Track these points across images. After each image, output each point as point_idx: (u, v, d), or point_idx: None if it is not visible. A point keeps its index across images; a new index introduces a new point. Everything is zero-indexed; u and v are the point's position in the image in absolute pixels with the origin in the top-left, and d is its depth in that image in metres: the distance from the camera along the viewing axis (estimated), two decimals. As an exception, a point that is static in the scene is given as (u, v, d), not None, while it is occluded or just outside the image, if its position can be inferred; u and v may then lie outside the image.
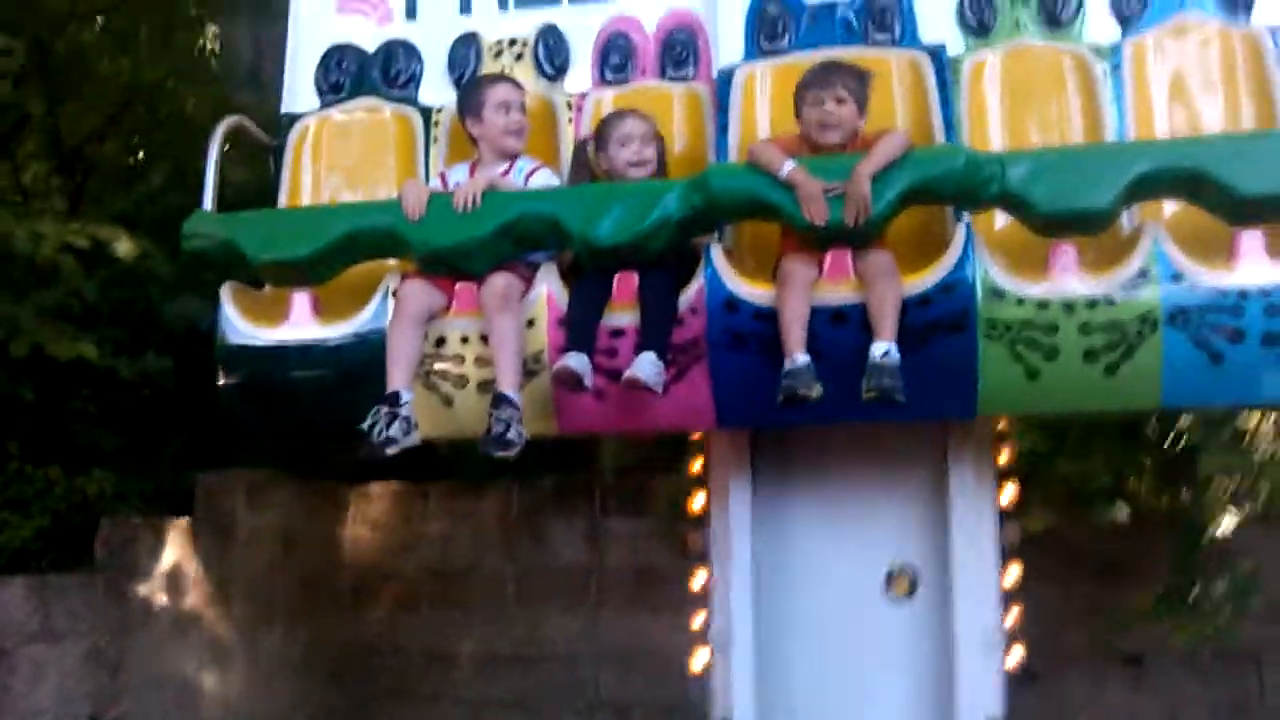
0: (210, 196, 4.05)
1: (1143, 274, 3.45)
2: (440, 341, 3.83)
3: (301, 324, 3.95)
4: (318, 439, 4.28)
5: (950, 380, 3.56)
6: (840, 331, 3.52)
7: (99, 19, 8.11)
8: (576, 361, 3.58)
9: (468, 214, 3.73)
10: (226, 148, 4.24)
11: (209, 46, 8.81)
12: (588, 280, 3.79)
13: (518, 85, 4.14)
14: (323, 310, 3.96)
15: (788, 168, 3.51)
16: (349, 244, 3.81)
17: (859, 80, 3.73)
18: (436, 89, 4.42)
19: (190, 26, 8.66)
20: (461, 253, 3.74)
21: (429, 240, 3.74)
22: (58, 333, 6.08)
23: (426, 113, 4.39)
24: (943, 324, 3.49)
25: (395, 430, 3.61)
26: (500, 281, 3.75)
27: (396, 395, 3.66)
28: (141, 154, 8.58)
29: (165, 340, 6.87)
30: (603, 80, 4.33)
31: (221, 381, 4.02)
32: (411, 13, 4.52)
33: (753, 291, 3.60)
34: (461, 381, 3.82)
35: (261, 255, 3.83)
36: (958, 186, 3.48)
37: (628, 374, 3.53)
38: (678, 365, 3.66)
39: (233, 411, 4.08)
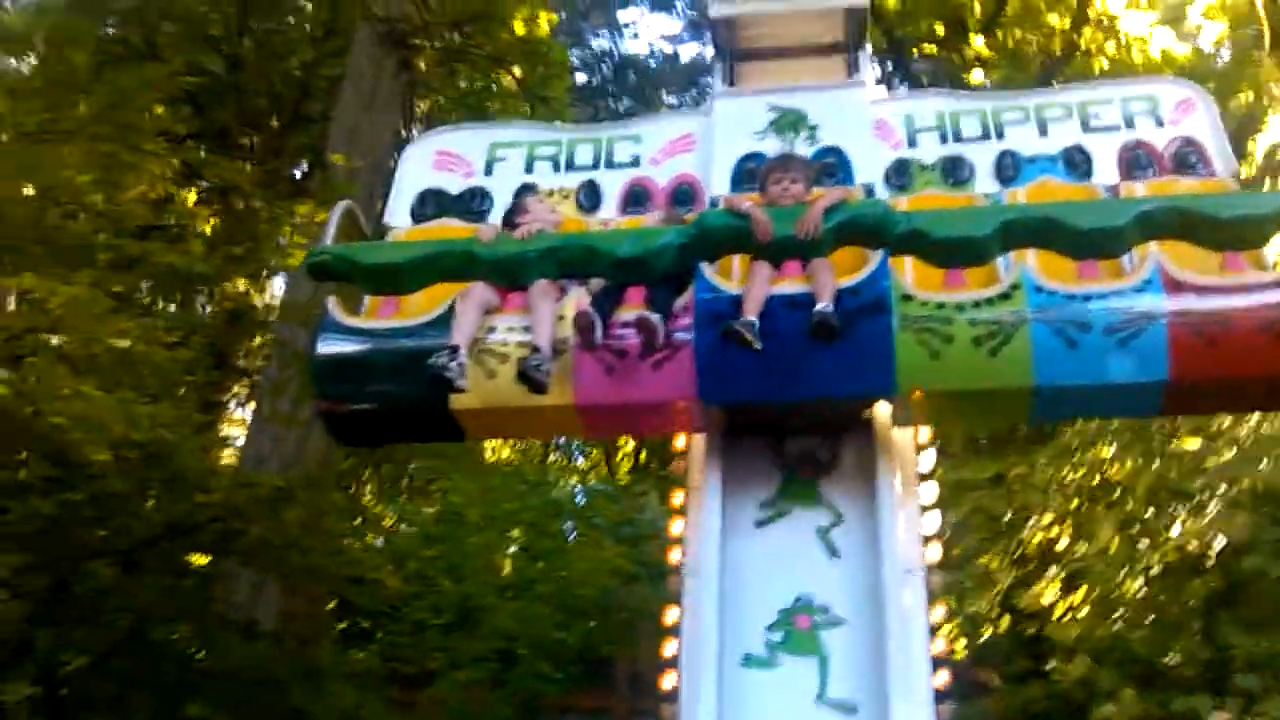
0: (330, 242, 5.42)
1: (1014, 286, 4.81)
2: (491, 330, 5.07)
3: (386, 317, 5.23)
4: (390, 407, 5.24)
5: (873, 358, 4.77)
6: (794, 315, 4.78)
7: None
8: (593, 311, 4.83)
9: (525, 240, 5.12)
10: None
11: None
12: (608, 287, 5.11)
13: (545, 193, 5.72)
14: (401, 310, 5.25)
15: (746, 205, 4.97)
16: (436, 259, 5.13)
17: (809, 167, 5.31)
18: (500, 218, 5.94)
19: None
20: (519, 263, 5.07)
21: (496, 255, 5.10)
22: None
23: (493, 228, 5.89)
24: (867, 307, 4.78)
25: (453, 366, 4.77)
26: (544, 282, 5.07)
27: (456, 347, 4.85)
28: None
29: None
30: (624, 212, 5.90)
31: (318, 371, 5.19)
32: (489, 171, 6.17)
33: (729, 285, 4.95)
34: (504, 359, 5.00)
35: (368, 261, 5.16)
36: (878, 222, 4.90)
37: (640, 314, 4.78)
38: (671, 347, 4.89)
39: (326, 394, 5.19)
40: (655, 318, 4.79)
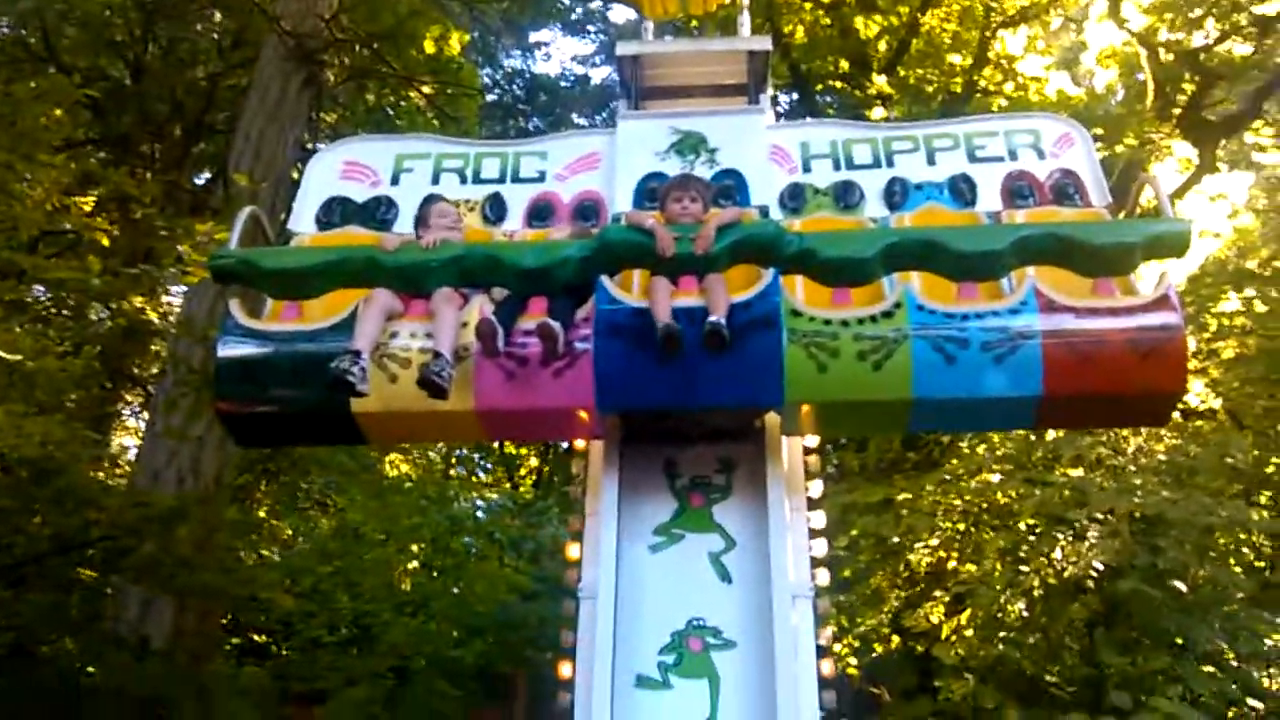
0: (234, 245, 5.47)
1: (897, 305, 5.05)
2: (394, 335, 5.16)
3: (289, 320, 5.29)
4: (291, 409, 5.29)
5: (764, 370, 4.97)
6: (689, 327, 4.95)
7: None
8: (494, 320, 4.95)
9: (429, 249, 5.23)
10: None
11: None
12: (511, 297, 5.24)
13: (451, 203, 5.82)
14: (304, 316, 5.31)
15: (649, 222, 5.15)
16: (339, 264, 5.21)
17: (707, 187, 5.51)
18: (407, 226, 6.03)
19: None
20: (422, 271, 5.17)
21: (399, 262, 5.19)
22: None
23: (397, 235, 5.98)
24: (758, 321, 4.98)
25: (355, 370, 4.86)
26: (447, 289, 5.19)
27: (359, 352, 4.94)
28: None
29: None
30: (529, 225, 6.03)
31: (218, 374, 5.24)
32: (396, 181, 6.26)
33: (628, 297, 5.12)
34: (406, 364, 5.10)
35: (271, 265, 5.22)
36: (770, 241, 5.09)
37: (541, 320, 4.92)
38: (571, 355, 5.04)
39: (226, 396, 5.24)
40: (556, 325, 4.93)
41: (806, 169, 6.15)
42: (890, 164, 6.12)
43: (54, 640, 9.53)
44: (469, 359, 5.08)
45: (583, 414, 5.17)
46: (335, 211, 6.13)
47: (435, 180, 6.26)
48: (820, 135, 6.29)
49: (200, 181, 17.79)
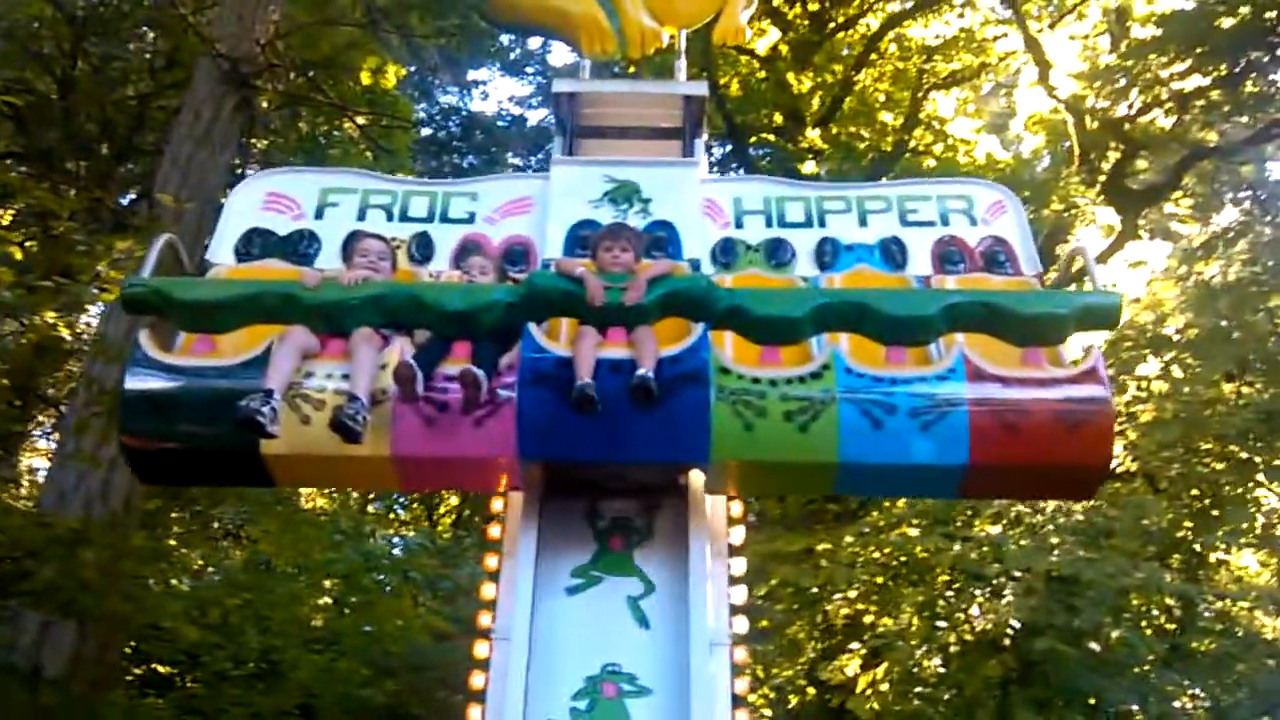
0: (147, 274, 5.27)
1: (825, 366, 5.00)
2: (309, 375, 4.99)
3: (200, 355, 5.10)
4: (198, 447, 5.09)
5: (690, 426, 4.88)
6: (615, 379, 4.85)
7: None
8: (413, 364, 4.81)
9: (350, 288, 5.08)
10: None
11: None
12: (434, 339, 5.10)
13: (379, 238, 5.67)
14: (217, 351, 5.13)
15: (579, 269, 5.06)
16: (255, 298, 5.04)
17: (639, 238, 5.43)
18: (329, 262, 5.88)
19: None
20: (342, 310, 5.02)
21: (319, 299, 5.03)
22: None
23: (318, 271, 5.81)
24: (686, 376, 4.89)
25: (266, 410, 4.68)
26: (366, 329, 5.03)
27: (271, 391, 4.77)
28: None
29: None
30: (456, 266, 5.89)
31: (125, 406, 5.02)
32: (320, 215, 6.10)
33: (555, 346, 5.00)
34: (320, 405, 4.93)
35: (185, 296, 5.04)
36: (700, 296, 5.03)
37: (464, 367, 4.78)
38: (493, 402, 4.91)
39: (132, 431, 5.03)
40: (480, 373, 4.80)
41: (739, 224, 6.12)
42: (822, 224, 6.10)
43: None
44: (386, 402, 4.92)
45: (502, 469, 5.04)
46: (255, 243, 5.95)
47: (361, 216, 6.12)
48: (754, 191, 6.26)
49: (126, 202, 17.39)
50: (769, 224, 6.12)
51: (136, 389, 5.02)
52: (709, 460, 4.98)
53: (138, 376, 5.03)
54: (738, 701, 5.19)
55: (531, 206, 6.17)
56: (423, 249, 5.98)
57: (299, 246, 5.95)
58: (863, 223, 6.10)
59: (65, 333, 12.13)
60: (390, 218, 6.13)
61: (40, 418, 16.51)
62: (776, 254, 5.93)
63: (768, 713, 14.79)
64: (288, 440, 4.87)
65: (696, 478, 5.31)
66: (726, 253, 5.96)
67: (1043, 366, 5.12)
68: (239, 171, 16.73)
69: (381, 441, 4.91)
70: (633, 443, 4.91)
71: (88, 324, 14.95)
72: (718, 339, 5.15)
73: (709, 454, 4.92)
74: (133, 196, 17.55)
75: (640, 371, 4.74)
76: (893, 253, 5.93)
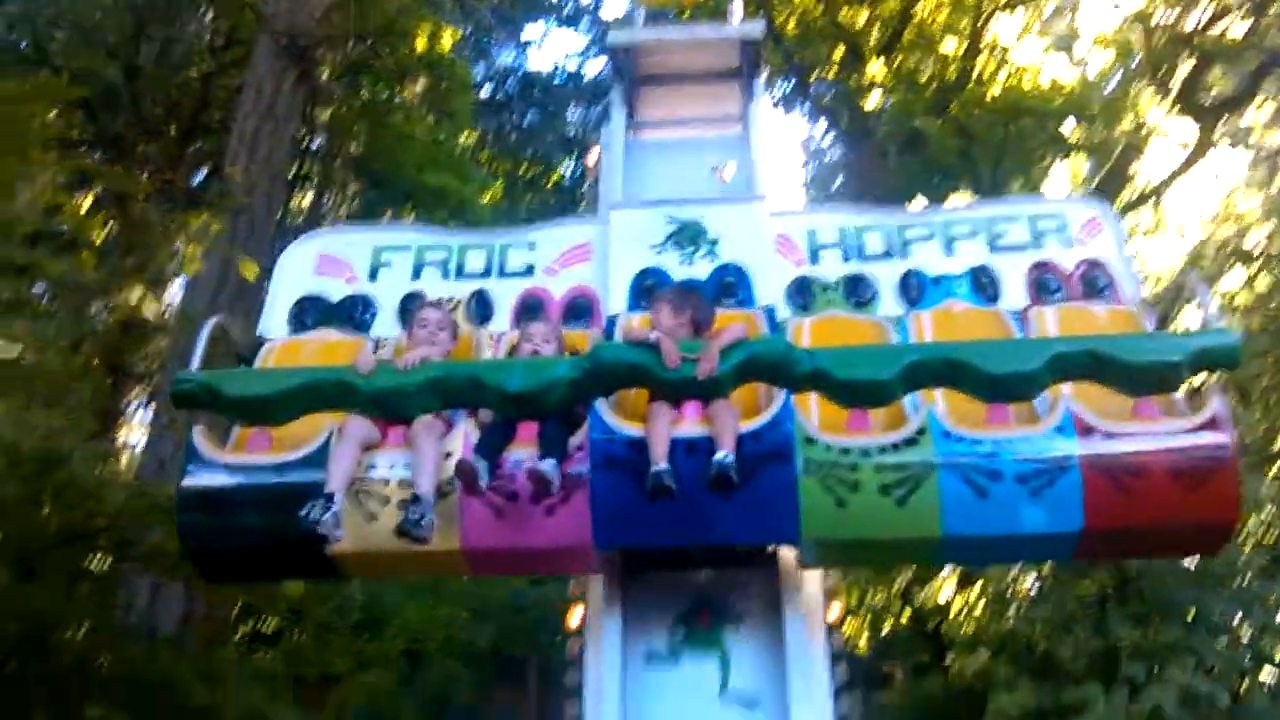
0: (196, 366, 5.02)
1: (921, 432, 4.60)
2: (371, 467, 4.70)
3: (257, 452, 4.83)
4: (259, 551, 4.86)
5: (777, 506, 4.53)
6: (692, 460, 4.50)
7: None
8: (476, 460, 4.50)
9: (408, 371, 4.78)
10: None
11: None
12: (497, 422, 4.79)
13: (440, 307, 5.36)
14: (274, 445, 4.85)
15: (654, 335, 4.71)
16: (309, 389, 4.75)
17: (704, 305, 5.06)
18: (386, 327, 5.60)
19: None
20: (400, 397, 4.72)
21: (375, 386, 4.74)
22: None
23: (376, 341, 5.51)
24: (771, 454, 4.54)
25: (327, 518, 4.40)
26: (429, 417, 4.74)
27: (332, 495, 4.49)
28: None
29: None
30: (518, 325, 5.56)
31: (182, 503, 4.79)
32: (374, 276, 5.80)
33: (626, 426, 4.66)
34: (384, 500, 4.65)
35: (236, 392, 4.77)
36: (779, 361, 4.66)
37: (531, 466, 4.46)
38: (564, 490, 4.58)
39: (190, 528, 4.79)
40: (549, 469, 4.47)
41: (814, 259, 5.72)
42: (905, 254, 5.68)
43: (64, 629, 9.36)
44: (453, 494, 4.63)
45: (578, 558, 4.76)
46: (309, 312, 5.68)
47: (416, 275, 5.82)
48: (828, 222, 5.84)
49: (196, 180, 17.57)
50: (846, 258, 5.71)
51: (193, 487, 4.78)
52: (799, 540, 4.64)
53: (194, 475, 4.80)
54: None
55: (591, 253, 5.81)
56: (481, 308, 5.66)
57: (354, 313, 5.67)
58: (949, 250, 5.67)
59: (150, 309, 12.31)
60: (446, 274, 5.82)
61: (132, 395, 16.81)
62: (857, 291, 5.54)
63: (865, 635, 14.67)
64: (353, 538, 4.60)
65: (788, 554, 4.96)
66: (803, 293, 5.57)
67: (1157, 418, 4.66)
68: (304, 144, 17.51)
69: (451, 535, 4.63)
70: (716, 526, 4.57)
71: (167, 305, 15.19)
72: (801, 401, 4.79)
73: (799, 534, 4.58)
74: (203, 175, 17.77)
75: (718, 457, 4.39)
76: (983, 284, 5.51)
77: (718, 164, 6.70)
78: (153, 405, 14.56)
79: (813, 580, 5.23)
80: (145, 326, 13.87)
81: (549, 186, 25.07)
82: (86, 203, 14.92)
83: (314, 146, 20.30)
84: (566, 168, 25.20)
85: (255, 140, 13.75)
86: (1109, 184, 16.48)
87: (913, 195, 13.37)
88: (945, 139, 17.68)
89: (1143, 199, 17.42)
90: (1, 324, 7.94)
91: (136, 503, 8.66)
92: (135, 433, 17.10)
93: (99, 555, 10.24)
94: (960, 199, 13.54)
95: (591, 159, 7.01)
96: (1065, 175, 17.95)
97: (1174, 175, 17.33)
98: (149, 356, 15.70)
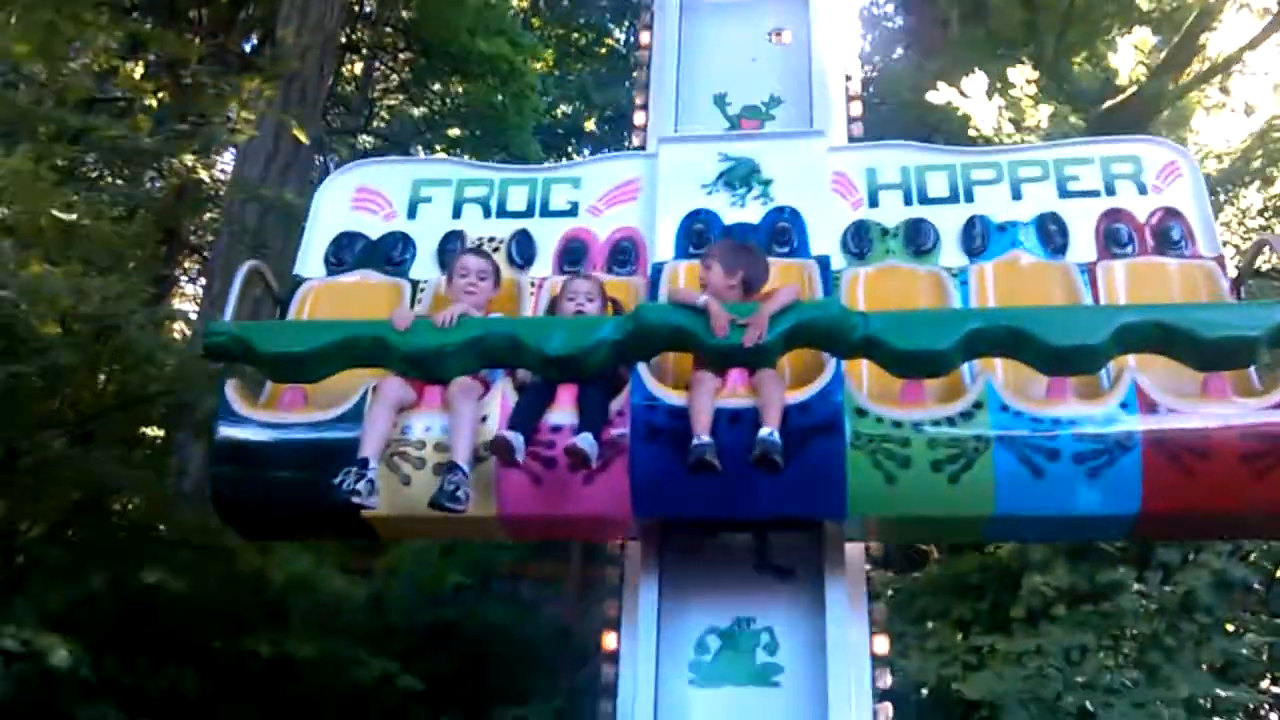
0: (230, 314, 4.90)
1: (978, 405, 4.39)
2: (406, 428, 4.59)
3: (293, 409, 4.72)
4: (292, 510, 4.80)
5: (824, 481, 4.36)
6: (736, 431, 4.33)
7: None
8: (512, 435, 4.37)
9: (445, 329, 4.62)
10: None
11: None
12: (536, 384, 4.64)
13: (481, 253, 5.17)
14: (309, 403, 4.74)
15: (703, 299, 4.50)
16: (345, 346, 4.62)
17: (756, 261, 4.82)
18: (425, 269, 5.43)
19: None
20: (437, 357, 4.58)
21: (412, 345, 4.59)
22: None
23: (414, 284, 5.37)
24: (818, 427, 4.35)
25: (361, 486, 4.31)
26: (466, 379, 4.60)
27: (366, 460, 4.38)
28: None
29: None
30: (560, 270, 5.37)
31: (215, 456, 4.72)
32: (412, 213, 5.61)
33: (668, 394, 4.48)
34: (420, 464, 4.54)
35: (270, 348, 4.65)
36: (831, 327, 4.44)
37: (569, 442, 4.32)
38: (604, 458, 4.44)
39: (223, 483, 4.72)
40: (587, 445, 4.32)
41: (873, 202, 5.43)
42: (969, 198, 5.37)
43: (120, 495, 9.70)
44: (489, 460, 4.51)
45: (616, 526, 4.66)
46: (346, 251, 5.50)
47: (456, 213, 5.61)
48: (890, 160, 5.52)
49: (249, 46, 17.34)
50: (908, 200, 5.42)
51: (228, 437, 4.69)
52: (846, 517, 4.49)
53: (227, 427, 4.70)
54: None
55: (638, 192, 5.57)
56: (524, 250, 5.46)
57: (392, 253, 5.48)
58: (1016, 195, 5.36)
59: (204, 174, 12.38)
60: (488, 213, 5.61)
61: (186, 265, 16.92)
62: (917, 239, 5.25)
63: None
64: (389, 502, 4.50)
65: (833, 527, 4.81)
66: (859, 239, 5.30)
67: (1228, 396, 4.40)
68: (356, 8, 17.14)
69: (488, 502, 4.52)
70: (759, 499, 4.42)
71: (223, 170, 15.16)
72: (853, 367, 4.59)
73: (845, 510, 4.42)
74: (255, 40, 17.58)
75: (763, 434, 4.21)
76: (1051, 233, 5.20)
77: (776, 28, 6.44)
78: (203, 278, 14.73)
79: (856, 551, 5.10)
80: (199, 193, 13.96)
81: (602, 54, 24.37)
82: (139, 69, 14.85)
83: (365, 10, 19.95)
84: (620, 34, 24.44)
85: (307, 4, 13.81)
86: (1177, 54, 15.57)
87: (972, 69, 12.65)
88: (1009, 8, 16.81)
89: (1213, 71, 16.50)
90: (56, 191, 7.99)
91: (191, 367, 8.81)
92: (189, 302, 17.37)
93: (154, 423, 10.55)
94: (1021, 72, 12.77)
95: (644, 39, 6.66)
96: (1130, 49, 17.01)
97: (1250, 45, 16.36)
98: (203, 226, 15.78)
